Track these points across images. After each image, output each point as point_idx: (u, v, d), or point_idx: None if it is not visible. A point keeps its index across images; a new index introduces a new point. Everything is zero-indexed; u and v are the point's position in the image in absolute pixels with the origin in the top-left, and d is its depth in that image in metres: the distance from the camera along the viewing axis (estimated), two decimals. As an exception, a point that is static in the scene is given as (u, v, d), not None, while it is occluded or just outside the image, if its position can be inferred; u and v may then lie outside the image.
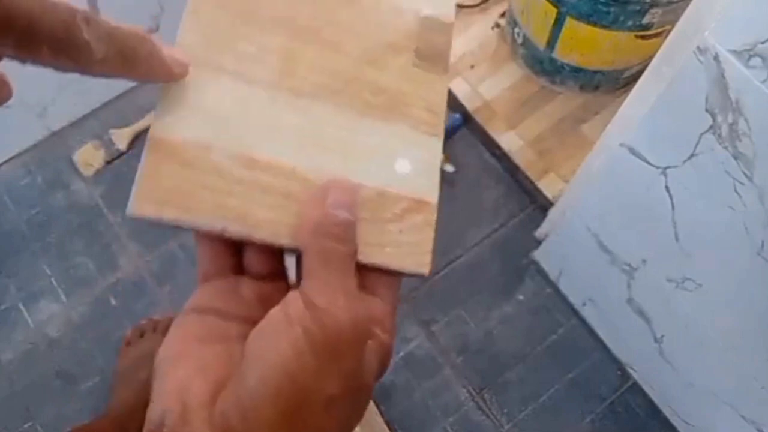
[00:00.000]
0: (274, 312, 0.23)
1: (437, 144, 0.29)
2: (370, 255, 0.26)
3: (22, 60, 0.20)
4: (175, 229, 0.25)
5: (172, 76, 0.25)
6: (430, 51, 0.29)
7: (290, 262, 0.28)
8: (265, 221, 0.25)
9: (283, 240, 0.25)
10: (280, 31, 0.27)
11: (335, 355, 0.22)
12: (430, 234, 0.28)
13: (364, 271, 0.27)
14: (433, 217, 0.28)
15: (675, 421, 1.06)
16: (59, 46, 0.20)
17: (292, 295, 0.23)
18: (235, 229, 0.25)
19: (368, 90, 0.28)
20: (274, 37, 0.27)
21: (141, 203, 0.24)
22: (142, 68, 0.23)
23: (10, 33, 0.18)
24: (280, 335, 0.22)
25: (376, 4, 0.29)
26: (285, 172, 0.26)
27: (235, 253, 0.27)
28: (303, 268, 0.24)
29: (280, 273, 0.28)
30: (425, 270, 0.27)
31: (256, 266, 0.27)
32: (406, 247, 0.27)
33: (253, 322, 0.23)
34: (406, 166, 0.28)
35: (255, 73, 0.26)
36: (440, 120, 0.29)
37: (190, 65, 0.25)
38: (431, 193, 0.29)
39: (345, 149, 0.27)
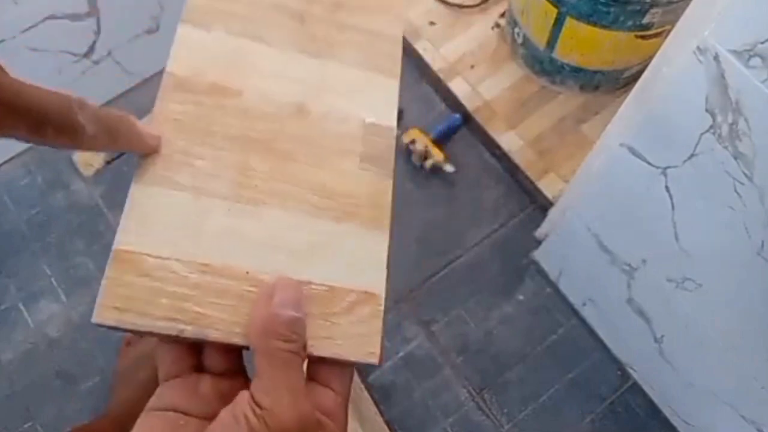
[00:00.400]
0: (224, 413, 0.24)
1: (384, 238, 0.31)
2: (320, 348, 0.27)
3: (30, 140, 0.23)
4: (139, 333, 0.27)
5: (149, 148, 0.29)
6: (374, 154, 0.31)
7: None
8: (220, 322, 0.27)
9: (235, 339, 0.27)
10: (235, 148, 0.30)
11: None
12: (378, 325, 0.28)
13: (316, 363, 0.28)
14: (380, 308, 0.29)
15: (675, 421, 1.06)
16: (61, 128, 0.24)
17: (241, 396, 0.24)
18: (191, 331, 0.26)
19: (318, 194, 0.30)
20: (229, 153, 0.29)
21: (103, 312, 0.26)
22: (123, 141, 0.28)
23: (24, 119, 0.22)
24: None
25: (324, 115, 0.31)
26: (239, 275, 0.28)
27: (194, 352, 0.29)
28: (255, 366, 0.25)
29: (239, 369, 0.30)
30: (374, 360, 0.28)
31: (214, 364, 0.28)
32: (356, 338, 0.28)
33: (212, 418, 0.25)
34: (354, 259, 0.29)
35: (211, 187, 0.29)
36: (386, 215, 0.31)
37: (161, 141, 0.29)
38: (378, 286, 0.29)
39: (296, 249, 0.29)
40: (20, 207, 1.25)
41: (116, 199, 1.24)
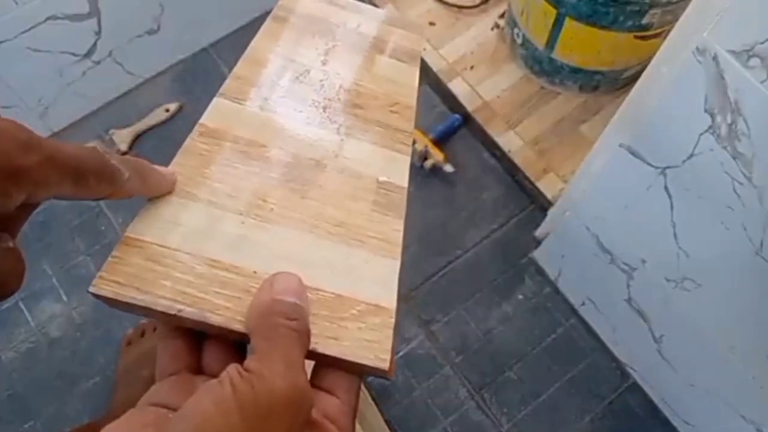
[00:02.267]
0: (211, 381, 0.23)
1: (395, 264, 0.31)
2: (328, 346, 0.27)
3: (74, 194, 0.24)
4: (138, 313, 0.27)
5: (171, 184, 0.30)
6: (387, 203, 0.33)
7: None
8: (221, 308, 0.27)
9: (236, 326, 0.26)
10: (253, 180, 0.32)
11: (266, 420, 0.21)
12: (389, 334, 0.28)
13: (322, 370, 0.27)
14: (392, 320, 0.28)
15: (674, 420, 1.06)
16: (101, 174, 0.25)
17: (232, 365, 0.23)
18: (191, 312, 0.26)
19: (330, 222, 0.31)
20: (248, 183, 0.31)
21: (102, 283, 0.26)
22: (152, 181, 0.29)
23: (67, 172, 0.23)
24: (209, 394, 0.21)
25: (341, 170, 0.34)
26: (246, 273, 0.28)
27: (194, 351, 0.28)
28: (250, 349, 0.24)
29: None
30: (385, 366, 0.27)
31: (214, 365, 0.27)
32: (366, 342, 0.27)
33: None
34: (364, 276, 0.30)
35: (228, 204, 0.30)
36: (397, 248, 0.32)
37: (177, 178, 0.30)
38: (389, 301, 0.29)
39: (307, 261, 0.29)
40: (21, 207, 1.25)
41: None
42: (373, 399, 1.08)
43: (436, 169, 1.24)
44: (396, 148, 0.37)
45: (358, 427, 1.04)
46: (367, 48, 0.42)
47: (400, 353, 1.12)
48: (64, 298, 1.18)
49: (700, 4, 0.58)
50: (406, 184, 0.35)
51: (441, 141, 1.26)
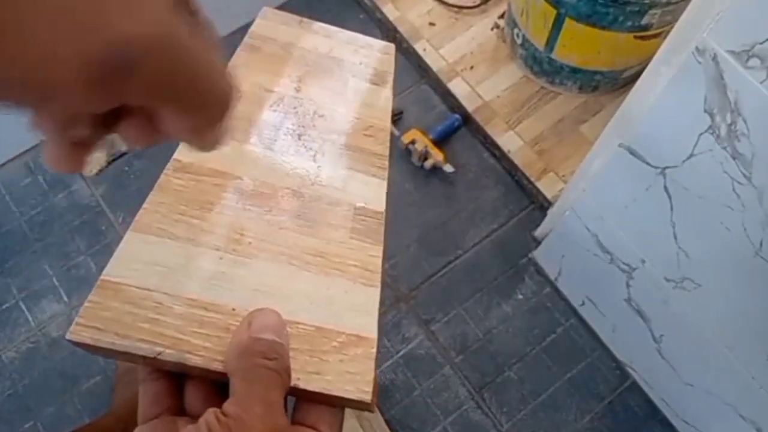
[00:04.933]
0: (189, 427, 0.22)
1: (375, 293, 0.31)
2: (309, 382, 0.26)
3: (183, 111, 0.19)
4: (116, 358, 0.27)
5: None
6: (364, 230, 0.33)
7: None
8: (200, 348, 0.26)
9: (216, 365, 0.26)
10: (230, 214, 0.31)
11: None
12: (370, 365, 0.28)
13: (305, 406, 0.27)
14: (373, 351, 0.28)
15: (674, 420, 1.06)
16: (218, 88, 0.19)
17: (210, 410, 0.22)
18: (170, 354, 0.26)
19: (308, 253, 0.31)
20: (225, 217, 0.31)
21: (80, 330, 0.26)
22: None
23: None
24: None
25: (317, 198, 0.34)
26: (224, 311, 0.28)
27: (175, 394, 0.28)
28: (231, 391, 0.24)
29: None
30: (367, 398, 0.27)
31: (196, 406, 0.27)
32: (347, 375, 0.27)
33: None
34: (344, 306, 0.30)
35: (205, 240, 0.30)
36: (377, 275, 0.32)
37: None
38: (370, 330, 0.29)
39: (285, 295, 0.29)
40: (21, 207, 1.25)
41: (117, 198, 1.24)
42: (373, 399, 1.08)
43: (436, 169, 1.24)
44: (371, 173, 0.37)
45: (358, 427, 1.04)
46: (339, 72, 0.42)
47: (400, 353, 1.12)
48: (65, 297, 1.18)
49: (699, 4, 0.58)
50: (383, 208, 0.35)
51: (441, 141, 1.26)
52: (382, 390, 1.09)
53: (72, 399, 1.10)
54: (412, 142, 1.23)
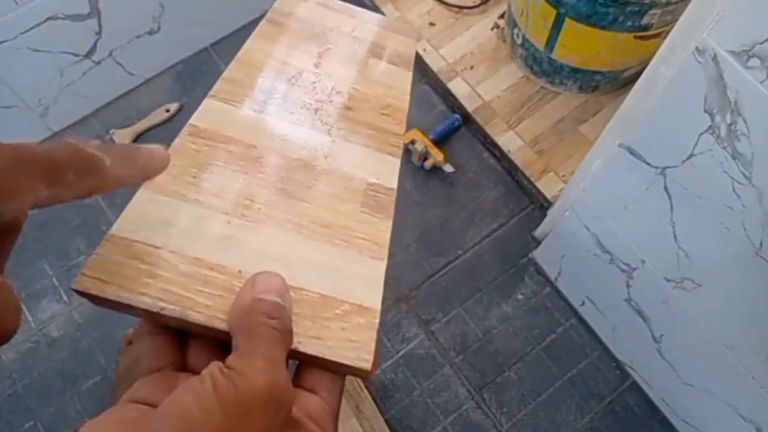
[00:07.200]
0: (192, 378, 0.22)
1: (381, 265, 0.31)
2: (310, 345, 0.27)
3: (53, 196, 0.22)
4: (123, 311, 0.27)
5: (166, 159, 0.30)
6: (375, 204, 0.33)
7: None
8: (203, 306, 0.27)
9: (217, 323, 0.26)
10: (241, 180, 0.32)
11: (246, 417, 0.21)
12: (372, 335, 0.28)
13: (305, 370, 0.27)
14: (376, 321, 0.28)
15: (674, 420, 1.06)
16: (79, 166, 0.23)
17: (213, 362, 0.23)
18: (172, 309, 0.26)
19: (317, 223, 0.31)
20: (235, 183, 0.31)
21: (84, 280, 0.26)
22: (142, 161, 0.28)
23: (41, 173, 0.21)
24: (189, 391, 0.21)
25: (330, 172, 0.34)
26: (230, 273, 0.28)
27: (178, 350, 0.28)
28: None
29: None
30: (367, 366, 0.27)
31: (198, 363, 0.27)
32: (348, 342, 0.27)
33: None
34: (349, 277, 0.30)
35: (214, 203, 0.30)
36: (384, 249, 0.32)
37: (171, 157, 0.30)
38: (374, 301, 0.29)
39: (291, 261, 0.29)
40: (21, 207, 1.25)
41: (116, 198, 1.24)
42: (373, 399, 1.08)
43: (436, 169, 1.24)
44: (386, 150, 0.37)
45: (358, 426, 1.04)
46: (360, 51, 0.42)
47: (400, 352, 1.12)
48: (65, 298, 1.18)
49: (699, 4, 0.58)
50: (395, 185, 0.35)
51: (441, 141, 1.26)
52: (382, 389, 1.09)
53: (72, 399, 1.10)
54: (412, 142, 1.23)
